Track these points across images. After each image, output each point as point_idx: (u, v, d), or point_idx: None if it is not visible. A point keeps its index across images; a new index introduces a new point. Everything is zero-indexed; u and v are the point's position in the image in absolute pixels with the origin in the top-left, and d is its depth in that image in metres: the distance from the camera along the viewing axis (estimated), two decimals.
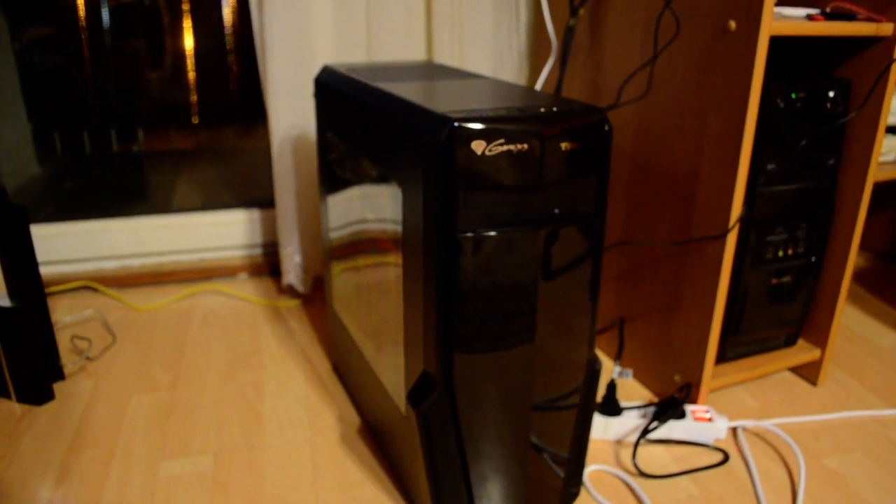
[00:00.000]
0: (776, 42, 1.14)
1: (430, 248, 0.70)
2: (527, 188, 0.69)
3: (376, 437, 1.02)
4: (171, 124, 1.62)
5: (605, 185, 0.75)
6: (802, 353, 1.17)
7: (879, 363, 1.27)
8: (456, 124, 0.65)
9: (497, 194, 0.68)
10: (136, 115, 1.58)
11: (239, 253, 1.59)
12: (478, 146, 0.65)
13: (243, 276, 1.57)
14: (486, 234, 0.69)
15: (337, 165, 1.00)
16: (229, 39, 1.56)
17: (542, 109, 0.70)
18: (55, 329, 1.33)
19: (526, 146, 0.67)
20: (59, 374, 1.17)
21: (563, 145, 0.69)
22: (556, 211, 0.72)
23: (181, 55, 1.55)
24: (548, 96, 0.78)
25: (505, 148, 0.66)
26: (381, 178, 0.81)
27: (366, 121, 0.85)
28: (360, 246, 0.94)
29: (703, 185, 0.99)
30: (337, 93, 0.95)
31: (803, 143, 0.99)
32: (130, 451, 1.01)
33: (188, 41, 1.55)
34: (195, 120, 1.61)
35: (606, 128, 0.72)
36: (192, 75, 1.57)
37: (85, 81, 1.52)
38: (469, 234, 0.68)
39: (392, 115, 0.76)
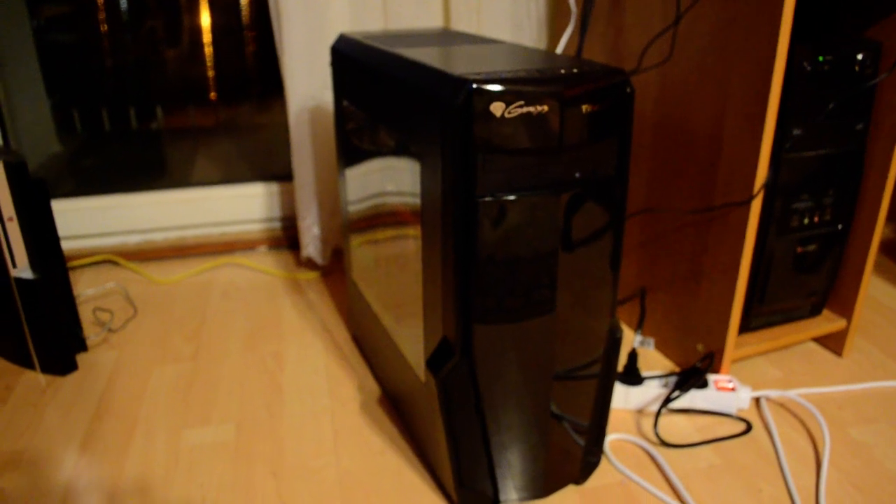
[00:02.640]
0: (803, 2, 1.11)
1: (449, 213, 0.69)
2: (547, 151, 0.68)
3: (396, 406, 1.02)
4: (189, 101, 1.61)
5: (627, 148, 0.73)
6: (827, 323, 1.16)
7: None
8: (474, 86, 0.64)
9: (517, 158, 0.67)
10: (155, 92, 1.58)
11: (258, 226, 1.59)
12: (497, 108, 0.64)
13: (263, 248, 1.58)
14: (505, 198, 0.68)
15: (354, 136, 0.99)
16: (245, 14, 1.55)
17: (563, 71, 0.68)
18: (77, 302, 1.34)
19: (546, 108, 0.66)
20: (82, 346, 1.19)
21: (584, 107, 0.68)
22: (577, 175, 0.71)
23: (198, 31, 1.55)
24: (568, 59, 0.77)
25: (524, 110, 0.65)
26: (400, 147, 0.80)
27: (382, 87, 0.84)
28: (380, 218, 0.93)
29: (727, 151, 0.97)
30: (353, 61, 0.94)
31: (831, 107, 0.96)
32: (153, 420, 1.01)
33: (205, 17, 1.54)
34: (213, 96, 1.61)
35: (628, 90, 0.71)
36: (209, 51, 1.56)
37: (103, 58, 1.52)
38: (488, 199, 0.67)
39: (409, 80, 0.75)
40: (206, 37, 1.55)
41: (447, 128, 0.66)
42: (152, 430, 0.99)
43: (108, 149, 1.60)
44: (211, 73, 1.59)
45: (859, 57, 0.97)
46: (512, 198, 0.68)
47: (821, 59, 0.94)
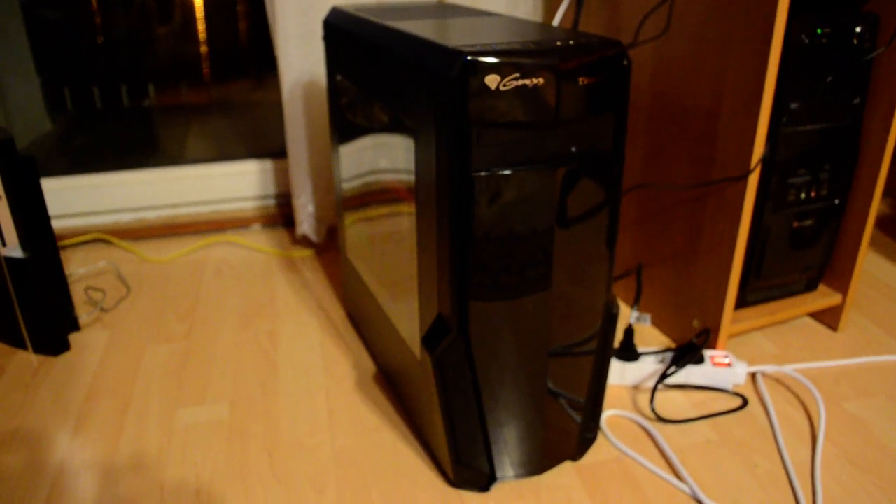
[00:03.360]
0: None
1: (444, 189, 0.68)
2: (543, 125, 0.67)
3: (391, 384, 1.02)
4: (182, 78, 1.59)
5: (623, 122, 0.72)
6: (823, 298, 1.15)
7: None
8: (469, 58, 0.63)
9: (512, 132, 0.66)
10: (147, 70, 1.56)
11: (252, 204, 1.58)
12: (492, 81, 0.63)
13: (257, 226, 1.57)
14: (500, 173, 0.67)
15: (348, 111, 0.98)
16: None
17: (559, 43, 0.67)
18: (69, 281, 1.33)
19: (542, 80, 0.65)
20: (74, 325, 1.18)
21: (581, 80, 0.67)
22: (574, 149, 0.70)
23: (190, 7, 1.52)
24: (564, 31, 0.75)
25: (520, 82, 0.64)
26: (393, 122, 0.79)
27: (376, 61, 0.82)
28: (374, 195, 0.92)
29: (724, 126, 0.96)
30: (346, 34, 0.92)
31: (829, 80, 0.95)
32: (147, 399, 1.01)
33: None
34: (206, 73, 1.59)
35: (625, 62, 0.69)
36: (202, 27, 1.54)
37: (94, 35, 1.50)
38: (483, 174, 0.67)
39: (403, 53, 0.74)
40: (199, 12, 1.53)
41: (441, 101, 0.65)
42: (146, 409, 0.99)
43: (100, 127, 1.58)
44: (204, 50, 1.56)
45: (857, 30, 0.96)
46: (507, 173, 0.67)
47: (819, 31, 0.93)
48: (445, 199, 0.68)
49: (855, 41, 0.96)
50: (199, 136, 1.63)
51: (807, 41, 0.92)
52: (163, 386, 1.04)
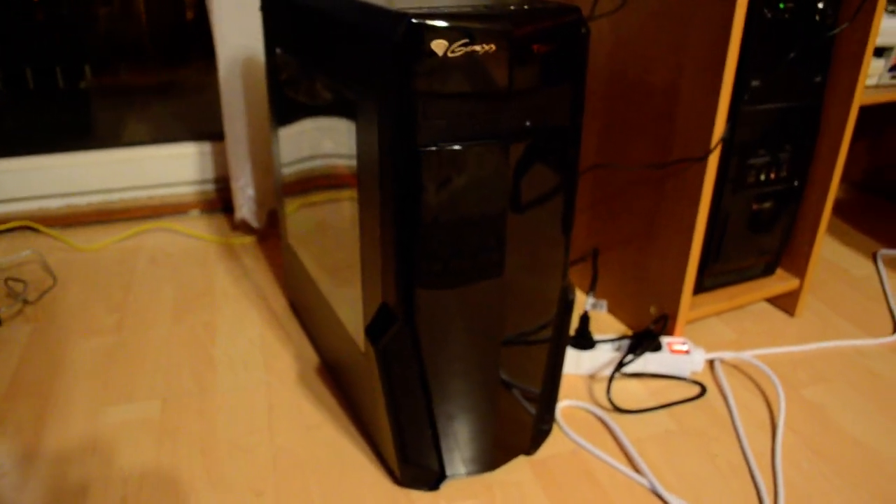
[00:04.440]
0: None
1: (388, 166, 0.63)
2: (495, 96, 0.62)
3: (335, 377, 0.96)
4: (123, 60, 1.50)
5: (581, 95, 0.67)
6: (781, 282, 1.13)
7: (856, 293, 1.24)
8: (414, 20, 0.57)
9: (462, 103, 0.61)
10: (85, 51, 1.46)
11: (190, 189, 1.50)
12: (439, 46, 0.57)
13: (195, 212, 1.48)
14: (449, 148, 0.61)
15: (288, 88, 0.91)
16: None
17: (512, 7, 0.62)
18: None
19: (493, 47, 0.59)
20: None
21: (536, 48, 0.61)
22: (528, 123, 0.64)
23: None
24: None
25: (470, 49, 0.58)
26: (335, 98, 0.73)
27: (315, 30, 0.76)
28: (316, 179, 0.86)
29: (684, 104, 0.92)
30: (284, 2, 0.86)
31: (791, 56, 0.92)
32: (71, 397, 0.93)
33: None
34: (149, 54, 1.50)
35: (583, 30, 0.65)
36: (143, 7, 1.45)
37: (27, 14, 1.39)
38: (431, 149, 0.61)
39: (343, 18, 0.68)
40: None
41: (384, 68, 0.59)
42: (69, 408, 0.91)
43: (32, 109, 1.48)
44: (146, 29, 1.47)
45: (820, 5, 0.93)
46: (456, 148, 0.62)
47: (781, 5, 0.89)
48: (389, 177, 0.63)
49: (817, 17, 0.93)
50: (140, 119, 1.54)
51: (769, 15, 0.89)
52: (89, 383, 0.96)
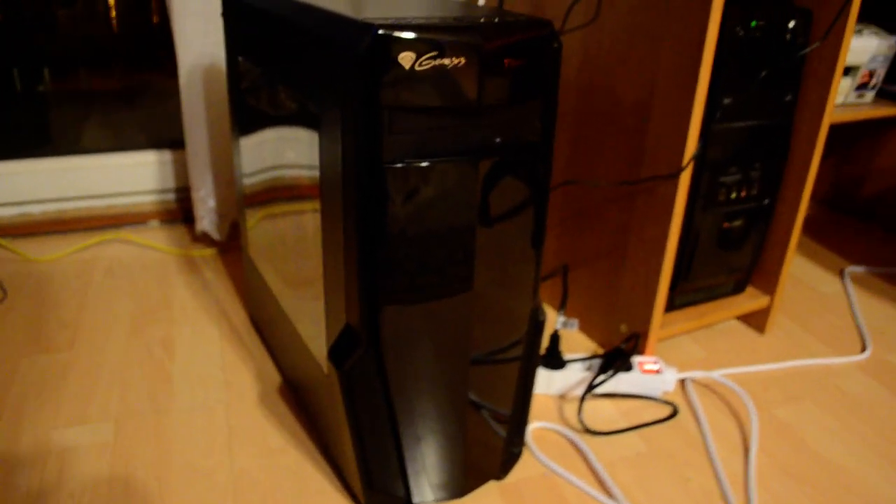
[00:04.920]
0: None
1: (351, 181, 0.60)
2: (464, 112, 0.59)
3: (298, 397, 0.92)
4: (85, 64, 1.45)
5: (553, 111, 0.65)
6: (751, 300, 1.12)
7: (824, 310, 1.24)
8: (380, 31, 0.54)
9: (430, 118, 0.58)
10: (44, 53, 1.41)
11: (150, 198, 1.45)
12: (406, 59, 0.55)
13: (154, 223, 1.44)
14: (416, 165, 0.59)
15: (250, 97, 0.88)
16: None
17: (483, 20, 0.59)
18: None
19: (463, 60, 0.57)
20: None
21: (507, 62, 0.59)
22: (498, 140, 0.62)
23: None
24: (488, 8, 0.68)
25: (438, 62, 0.56)
26: (297, 109, 0.70)
27: (278, 38, 0.73)
28: (277, 191, 0.83)
29: (656, 120, 0.91)
30: (247, 8, 0.83)
31: (764, 73, 0.91)
32: (19, 419, 0.89)
33: None
34: (112, 59, 1.45)
35: (555, 44, 0.63)
36: (107, 10, 1.40)
37: None
38: (396, 166, 0.58)
39: (306, 27, 0.65)
40: None
41: (348, 80, 0.57)
42: (17, 430, 0.87)
43: None
44: (109, 32, 1.42)
45: (791, 24, 0.92)
46: (424, 164, 0.59)
47: (753, 24, 0.89)
48: (352, 193, 0.60)
49: (788, 36, 0.92)
50: (101, 125, 1.49)
51: (741, 33, 0.88)
52: (38, 403, 0.92)
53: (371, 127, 0.57)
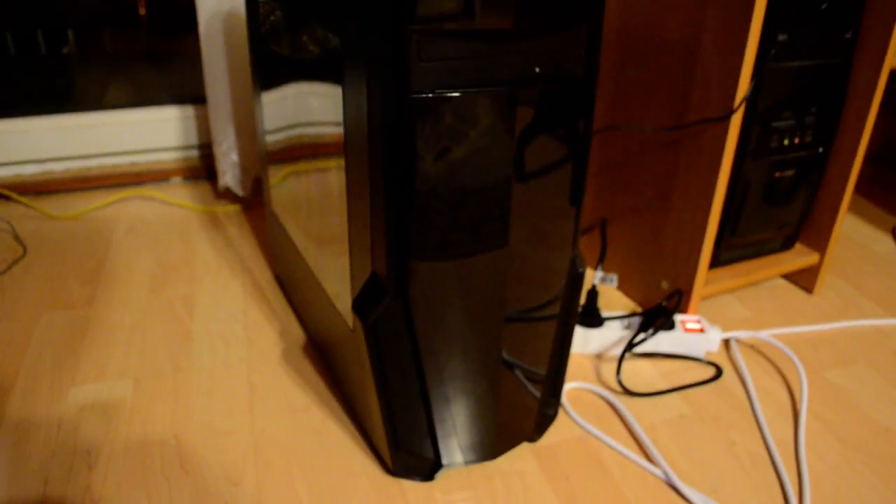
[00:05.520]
0: None
1: (377, 120, 0.55)
2: (499, 35, 0.54)
3: (323, 356, 0.88)
4: (109, 26, 1.41)
5: (597, 39, 0.59)
6: (800, 257, 1.06)
7: (877, 270, 1.17)
8: None
9: (461, 43, 0.53)
10: (68, 15, 1.37)
11: (172, 155, 1.41)
12: None
13: (177, 179, 1.40)
14: (447, 95, 0.54)
15: (271, 42, 0.83)
16: None
17: None
18: None
19: None
20: None
21: None
22: (537, 70, 0.57)
23: None
24: None
25: None
26: (321, 47, 0.65)
27: None
28: (301, 148, 0.78)
29: (704, 60, 0.84)
30: None
31: (824, 6, 0.84)
32: (37, 375, 0.86)
33: None
34: (137, 21, 1.41)
35: None
36: None
37: None
38: (426, 95, 0.53)
39: None
40: None
41: (373, 3, 0.51)
42: (34, 386, 0.84)
43: (13, 74, 1.39)
44: None
45: None
46: (455, 94, 0.54)
47: None
48: (379, 134, 0.55)
49: None
50: (124, 84, 1.45)
51: None
52: (57, 360, 0.89)
53: (398, 52, 0.51)
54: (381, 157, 0.56)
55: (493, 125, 0.56)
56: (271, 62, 0.84)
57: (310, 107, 0.72)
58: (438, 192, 0.57)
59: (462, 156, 0.56)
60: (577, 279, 0.70)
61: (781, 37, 0.84)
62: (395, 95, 0.53)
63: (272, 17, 0.81)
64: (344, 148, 0.63)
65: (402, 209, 0.57)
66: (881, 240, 1.28)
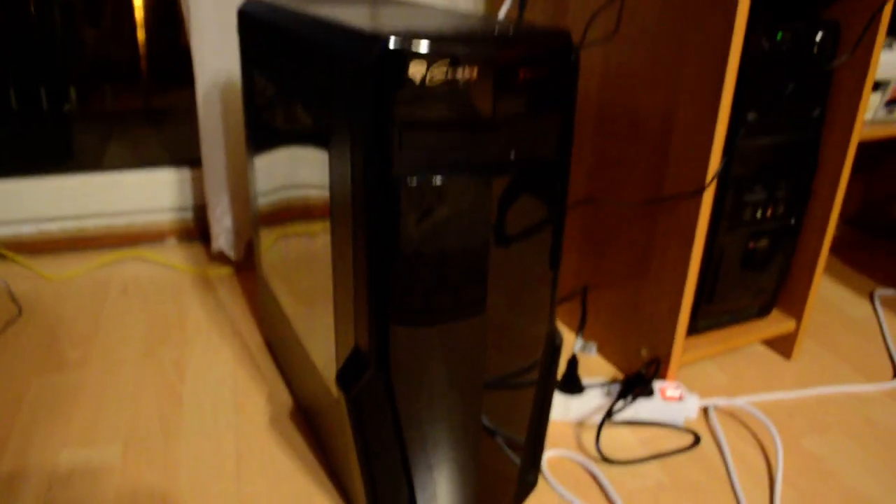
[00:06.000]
0: None
1: (361, 199, 0.58)
2: (478, 126, 0.57)
3: (309, 422, 0.90)
4: (109, 82, 1.45)
5: (570, 126, 0.63)
6: (776, 324, 1.09)
7: (854, 335, 1.20)
8: (391, 44, 0.53)
9: (442, 132, 0.56)
10: (71, 72, 1.41)
11: (167, 216, 1.44)
12: (416, 71, 0.53)
13: (172, 241, 1.43)
14: (428, 181, 0.57)
15: (265, 114, 0.87)
16: None
17: (496, 32, 0.58)
18: None
19: (476, 73, 0.55)
20: None
21: (522, 74, 0.57)
22: (513, 156, 0.60)
23: (125, 8, 1.39)
24: (504, 21, 0.66)
25: (451, 74, 0.54)
26: (309, 123, 0.68)
27: (290, 52, 0.72)
28: (291, 211, 0.81)
29: (678, 137, 0.88)
30: (261, 23, 0.82)
31: (790, 88, 0.88)
32: (28, 438, 0.87)
33: None
34: (137, 78, 1.45)
35: (572, 56, 0.61)
36: (139, 30, 1.41)
37: (14, 34, 1.35)
38: (408, 182, 0.56)
39: (316, 41, 0.63)
40: (139, 13, 1.39)
41: (357, 94, 0.55)
42: (26, 449, 0.85)
43: (15, 130, 1.43)
44: (136, 53, 1.43)
45: (818, 37, 0.89)
46: (436, 181, 0.57)
47: (779, 36, 0.86)
48: (362, 211, 0.58)
49: (815, 49, 0.89)
50: (124, 144, 1.49)
51: (766, 46, 0.85)
52: (49, 422, 0.90)
53: (382, 142, 0.55)
54: (364, 233, 0.59)
55: (472, 206, 0.60)
56: (265, 130, 0.88)
57: (299, 173, 0.75)
58: (417, 264, 0.60)
59: (441, 233, 0.59)
60: (555, 351, 0.72)
61: (751, 115, 0.88)
62: (378, 179, 0.56)
63: (266, 92, 0.85)
64: (330, 215, 0.66)
65: (382, 278, 0.60)
66: (859, 304, 1.31)
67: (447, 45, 0.54)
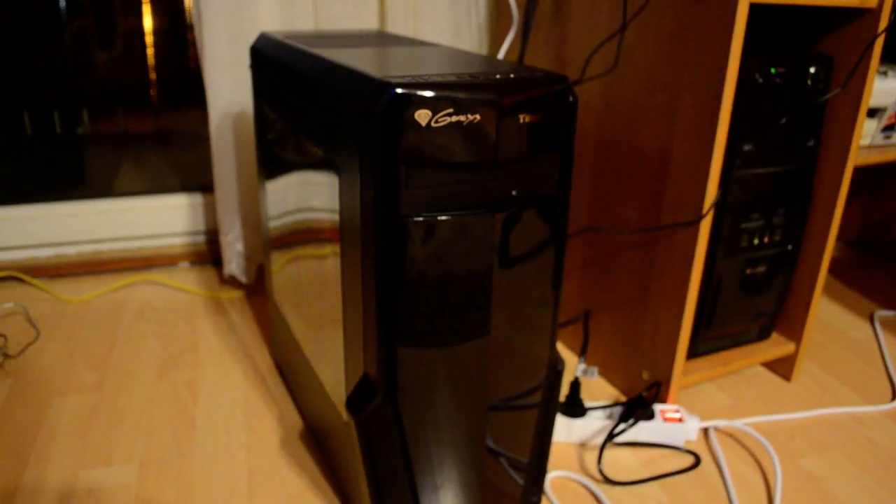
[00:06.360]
0: (755, 11, 1.06)
1: (369, 234, 0.61)
2: (480, 166, 0.61)
3: (319, 443, 0.93)
4: (122, 105, 1.49)
5: (569, 164, 0.66)
6: (776, 347, 1.11)
7: (854, 357, 1.22)
8: (397, 90, 0.56)
9: (446, 173, 0.59)
10: (84, 97, 1.46)
11: (180, 240, 1.48)
12: (422, 116, 0.57)
13: (185, 265, 1.47)
14: (433, 218, 0.60)
15: (275, 145, 0.90)
16: (189, 15, 1.44)
17: (498, 76, 0.61)
18: None
19: (479, 117, 0.58)
20: None
21: (522, 117, 0.60)
22: (514, 193, 0.63)
23: (134, 33, 1.43)
24: (506, 63, 0.70)
25: (454, 119, 0.58)
26: (319, 159, 0.72)
27: (301, 91, 0.75)
28: (301, 235, 0.84)
29: (675, 168, 0.91)
30: (273, 62, 0.85)
31: (784, 121, 0.91)
32: (47, 459, 0.90)
33: (144, 18, 1.43)
34: (150, 101, 1.49)
35: (571, 98, 0.64)
36: (149, 54, 1.45)
37: (28, 59, 1.39)
38: (413, 219, 0.60)
39: (327, 83, 0.67)
40: (148, 38, 1.44)
41: (366, 137, 0.58)
42: (45, 470, 0.88)
43: (29, 155, 1.47)
44: (149, 77, 1.47)
45: (812, 70, 0.93)
46: (441, 218, 0.60)
47: (773, 71, 0.89)
48: (370, 246, 0.61)
49: (809, 82, 0.93)
50: (136, 168, 1.53)
51: (761, 80, 0.88)
52: (67, 443, 0.93)
53: (389, 182, 0.58)
54: (372, 266, 0.62)
55: (476, 241, 0.63)
56: (276, 160, 0.91)
57: (309, 200, 0.78)
58: (424, 300, 0.63)
59: (446, 266, 0.62)
60: (556, 376, 0.75)
61: (747, 147, 0.91)
62: (385, 217, 0.60)
63: (278, 125, 0.88)
64: (340, 242, 0.70)
65: (390, 307, 0.63)
66: (859, 326, 1.33)
67: (451, 92, 0.57)
